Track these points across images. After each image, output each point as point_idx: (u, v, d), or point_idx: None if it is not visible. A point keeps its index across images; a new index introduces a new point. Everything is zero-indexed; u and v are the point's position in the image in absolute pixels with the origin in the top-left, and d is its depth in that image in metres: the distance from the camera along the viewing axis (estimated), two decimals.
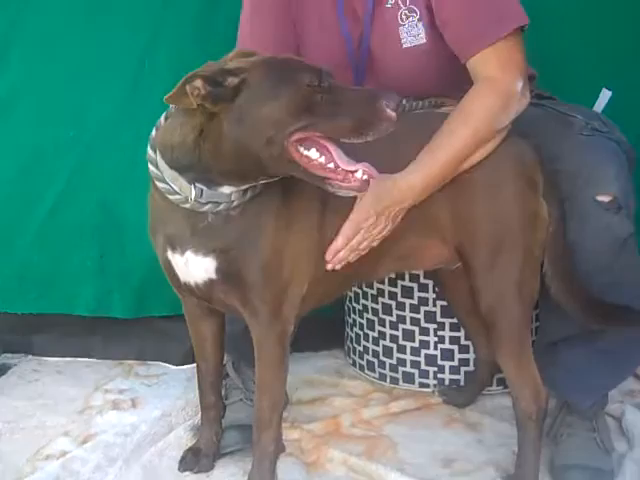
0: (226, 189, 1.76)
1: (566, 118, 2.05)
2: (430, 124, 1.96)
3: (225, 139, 1.69)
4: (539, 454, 1.99)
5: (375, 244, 1.93)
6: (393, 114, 1.64)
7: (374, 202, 1.87)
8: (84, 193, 2.58)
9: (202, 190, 1.76)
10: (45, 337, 2.74)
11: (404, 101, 2.07)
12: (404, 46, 2.05)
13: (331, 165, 1.69)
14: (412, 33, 2.03)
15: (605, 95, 2.23)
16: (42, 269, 2.63)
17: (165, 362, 2.71)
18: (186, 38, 2.54)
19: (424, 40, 2.03)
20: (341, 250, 1.90)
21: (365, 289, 2.57)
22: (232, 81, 1.67)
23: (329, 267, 1.92)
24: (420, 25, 2.02)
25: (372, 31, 2.06)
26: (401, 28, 2.04)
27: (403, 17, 2.03)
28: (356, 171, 1.69)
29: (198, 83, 1.66)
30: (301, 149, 1.68)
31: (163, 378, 2.64)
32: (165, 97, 1.68)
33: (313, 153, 1.69)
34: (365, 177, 1.69)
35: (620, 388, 2.34)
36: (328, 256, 1.91)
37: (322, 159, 1.69)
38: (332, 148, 1.69)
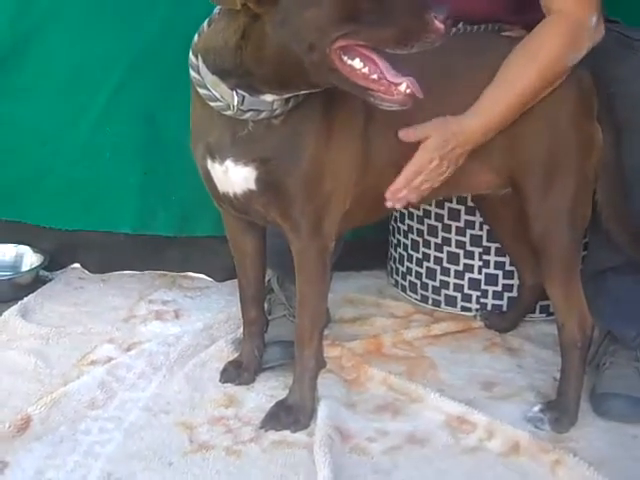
0: (268, 97, 1.73)
1: (629, 41, 1.97)
2: (493, 46, 1.92)
3: (268, 42, 1.65)
4: (582, 382, 1.99)
5: (436, 185, 1.91)
6: (441, 26, 1.58)
7: (439, 145, 1.84)
8: (128, 108, 2.54)
9: (244, 97, 1.72)
10: (89, 252, 2.74)
11: (460, 25, 1.99)
12: None
13: (375, 76, 1.65)
14: None
15: None
16: (86, 185, 2.62)
17: (208, 276, 2.72)
18: None
19: None
20: (402, 190, 1.88)
21: (411, 210, 2.55)
22: None
23: (388, 205, 1.90)
24: None
25: None
26: None
27: None
28: (400, 84, 1.65)
29: None
30: (345, 58, 1.63)
31: (206, 291, 2.66)
32: None
33: (357, 63, 1.64)
34: (409, 91, 1.65)
35: None
36: (388, 194, 1.89)
37: (366, 69, 1.64)
38: (378, 59, 1.64)
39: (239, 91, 1.72)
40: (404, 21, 1.59)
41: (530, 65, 1.84)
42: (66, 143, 2.59)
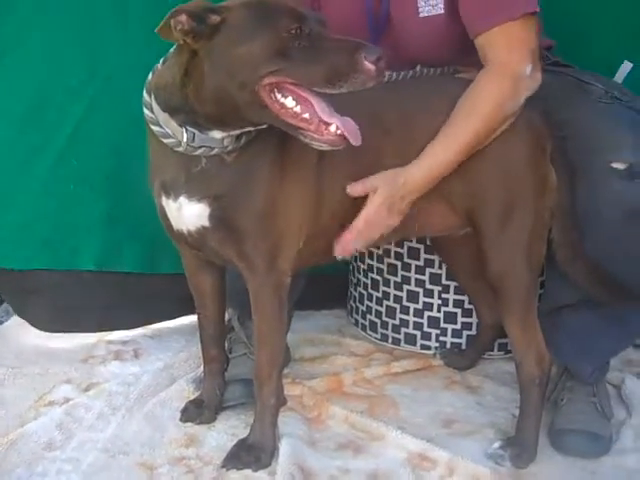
0: (216, 134, 1.75)
1: (584, 85, 2.04)
2: (448, 88, 1.97)
3: (206, 80, 1.68)
4: (540, 418, 2.01)
5: (385, 233, 1.95)
6: (372, 67, 1.60)
7: (387, 197, 1.89)
8: (94, 139, 2.45)
9: (194, 134, 1.74)
10: (44, 296, 2.58)
11: (417, 67, 2.05)
12: (421, 15, 2.02)
13: (306, 115, 1.67)
14: (430, 3, 2.01)
15: (626, 67, 2.23)
16: (46, 219, 2.49)
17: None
18: None
19: (442, 11, 2.00)
20: (351, 241, 1.92)
21: (371, 249, 2.57)
22: (214, 19, 1.66)
23: (337, 255, 1.95)
24: None
25: None
26: None
27: None
28: (330, 124, 1.67)
29: (182, 18, 1.65)
30: (278, 96, 1.66)
31: (165, 331, 2.64)
32: (156, 29, 1.67)
33: (289, 101, 1.66)
34: (339, 132, 1.67)
35: (620, 357, 2.37)
36: (337, 246, 1.94)
37: (297, 108, 1.67)
38: (313, 98, 1.66)
39: (188, 128, 1.74)
40: (333, 60, 1.62)
41: (472, 116, 1.90)
42: (26, 175, 2.48)
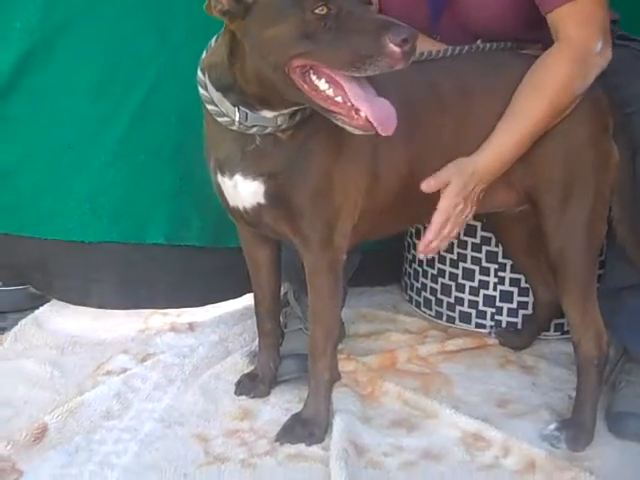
0: (267, 113, 1.74)
1: None
2: (510, 64, 1.94)
3: (247, 60, 1.67)
4: (598, 400, 1.98)
5: (463, 227, 1.95)
6: (397, 50, 1.54)
7: (460, 189, 1.87)
8: (163, 109, 2.42)
9: (246, 113, 1.74)
10: (109, 270, 2.58)
11: (478, 42, 2.01)
12: None
13: (338, 99, 1.64)
14: None
15: None
16: (116, 191, 2.47)
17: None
18: None
19: None
20: (433, 241, 1.91)
21: (426, 225, 2.54)
22: (251, 0, 1.64)
23: (420, 257, 1.98)
24: None
25: None
26: None
27: None
28: (359, 109, 1.62)
29: None
30: (313, 77, 1.63)
31: (220, 304, 2.65)
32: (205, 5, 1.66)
33: (322, 84, 1.64)
34: (370, 119, 1.62)
35: None
36: (420, 248, 1.93)
37: (330, 91, 1.64)
38: (344, 81, 1.62)
39: (241, 108, 1.73)
40: (358, 43, 1.57)
41: (538, 97, 1.86)
42: (95, 146, 2.45)
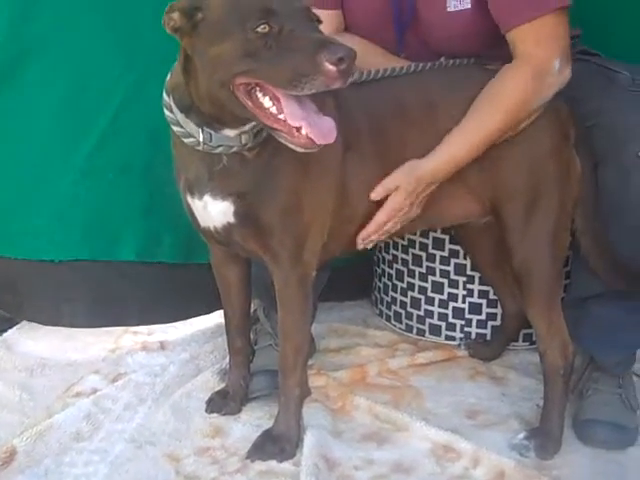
0: (228, 132, 1.75)
1: (611, 73, 2.02)
2: (474, 79, 1.95)
3: (199, 78, 1.68)
4: (565, 408, 2.01)
5: (405, 223, 1.97)
6: (332, 69, 1.53)
7: (408, 194, 1.90)
8: (133, 126, 2.42)
9: (210, 134, 1.74)
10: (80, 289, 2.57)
11: (442, 59, 2.04)
12: (448, 9, 2.00)
13: (281, 116, 1.64)
14: None
15: None
16: (86, 209, 2.47)
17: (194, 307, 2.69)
18: None
19: (469, 5, 1.98)
20: (373, 234, 1.95)
21: (395, 240, 2.57)
22: (199, 16, 1.65)
23: (359, 247, 1.97)
24: None
25: None
26: None
27: None
28: (300, 128, 1.63)
29: (175, 15, 1.66)
30: (259, 95, 1.64)
31: (192, 321, 2.65)
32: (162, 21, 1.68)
33: (267, 101, 1.64)
34: (310, 135, 1.62)
35: None
36: (359, 239, 1.96)
37: (274, 109, 1.64)
38: (283, 98, 1.62)
39: (205, 128, 1.74)
40: (295, 62, 1.57)
41: (494, 109, 1.89)
42: (64, 164, 2.45)
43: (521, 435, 2.02)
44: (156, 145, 2.33)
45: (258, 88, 1.64)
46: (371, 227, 1.94)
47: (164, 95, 1.80)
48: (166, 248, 2.55)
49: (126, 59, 2.41)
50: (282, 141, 1.66)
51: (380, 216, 1.92)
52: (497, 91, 1.90)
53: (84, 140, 2.45)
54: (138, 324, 2.61)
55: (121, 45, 2.41)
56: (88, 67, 2.40)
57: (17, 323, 2.58)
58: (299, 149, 1.65)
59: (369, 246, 1.99)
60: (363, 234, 1.95)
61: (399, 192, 1.90)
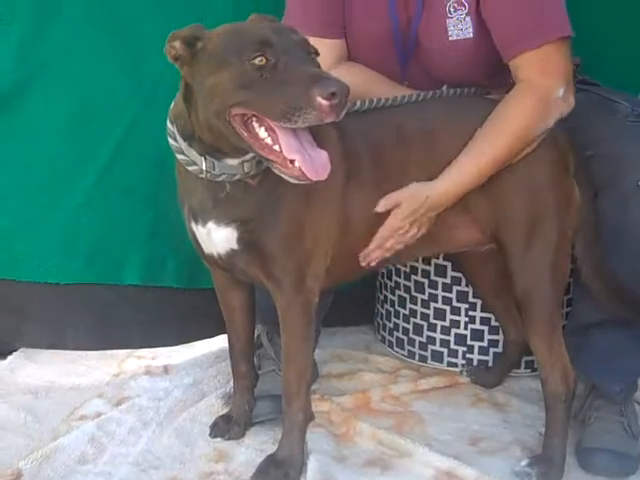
0: (230, 161, 1.77)
1: (611, 103, 2.05)
2: (476, 108, 1.99)
3: (199, 107, 1.70)
4: (566, 436, 2.01)
5: (410, 243, 1.98)
6: (324, 103, 1.55)
7: (409, 213, 1.92)
8: (139, 151, 2.45)
9: (213, 162, 1.76)
10: (83, 313, 2.59)
11: (444, 87, 2.07)
12: (450, 38, 2.03)
13: (276, 147, 1.65)
14: (459, 27, 2.02)
15: None
16: (91, 233, 2.49)
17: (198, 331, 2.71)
18: None
19: (471, 34, 2.02)
20: (374, 251, 1.97)
21: (398, 266, 2.59)
22: (199, 46, 1.68)
23: (362, 264, 1.98)
24: (468, 19, 2.01)
25: (420, 19, 2.06)
26: (449, 20, 2.02)
27: (451, 10, 2.02)
28: (294, 160, 1.64)
29: (177, 43, 1.69)
30: (255, 125, 1.66)
31: (194, 345, 2.67)
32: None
33: (262, 132, 1.66)
34: (303, 169, 1.63)
35: None
36: (360, 257, 1.98)
37: (269, 139, 1.66)
38: (278, 130, 1.64)
39: (207, 157, 1.76)
40: (289, 95, 1.58)
41: (499, 135, 1.91)
42: (70, 187, 2.47)
43: (524, 462, 2.02)
44: (161, 169, 2.33)
45: (254, 119, 1.66)
46: (372, 244, 1.96)
47: (168, 123, 1.82)
48: (170, 272, 2.57)
49: (133, 84, 2.44)
50: (276, 172, 1.68)
51: (381, 233, 1.94)
52: (502, 117, 1.93)
53: (90, 164, 2.47)
54: (141, 347, 2.63)
55: (128, 70, 2.44)
56: (95, 91, 2.43)
57: (20, 347, 2.59)
58: (293, 180, 1.66)
59: (372, 264, 2.00)
60: (365, 251, 1.97)
61: (401, 209, 1.91)
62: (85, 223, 2.49)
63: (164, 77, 2.26)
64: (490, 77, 2.07)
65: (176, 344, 2.64)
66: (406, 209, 1.91)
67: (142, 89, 2.44)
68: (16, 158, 2.45)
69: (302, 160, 1.63)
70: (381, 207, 1.93)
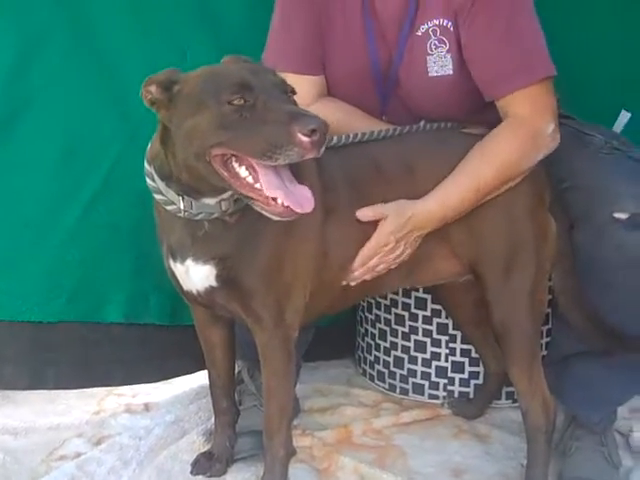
0: (208, 200, 1.78)
1: (585, 136, 2.09)
2: (454, 143, 2.01)
3: (177, 149, 1.71)
4: (548, 466, 2.02)
5: (393, 267, 1.98)
6: (305, 139, 1.57)
7: (395, 229, 1.92)
8: (123, 189, 2.43)
9: (191, 202, 1.77)
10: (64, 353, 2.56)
11: (422, 122, 2.09)
12: (430, 74, 2.05)
13: (257, 185, 1.66)
14: (439, 63, 2.04)
15: (624, 116, 2.28)
16: (74, 270, 2.47)
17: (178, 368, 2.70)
18: (226, 34, 2.49)
19: (451, 72, 2.04)
20: (357, 269, 1.95)
21: (378, 299, 2.60)
22: (175, 89, 1.70)
23: (343, 283, 1.97)
24: (448, 57, 2.03)
25: (401, 57, 2.08)
26: (429, 57, 2.04)
27: (432, 47, 2.04)
28: (275, 197, 1.65)
29: (152, 87, 1.71)
30: (235, 165, 1.67)
31: (174, 383, 2.65)
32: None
33: (243, 171, 1.67)
34: (286, 204, 1.64)
35: (628, 405, 2.35)
36: (344, 275, 1.96)
37: (250, 178, 1.67)
38: (259, 168, 1.66)
39: (185, 197, 1.77)
40: (269, 133, 1.60)
41: (487, 163, 1.94)
42: (53, 224, 2.46)
43: None
44: (145, 206, 2.26)
45: (234, 158, 1.67)
46: (357, 261, 1.95)
47: (145, 164, 1.83)
48: (153, 309, 2.56)
49: (118, 119, 2.44)
50: (258, 209, 1.68)
51: (366, 250, 1.94)
52: (490, 148, 1.95)
53: (74, 200, 2.46)
54: (123, 384, 2.61)
55: (113, 105, 2.44)
56: (80, 127, 2.43)
57: None
58: (275, 218, 1.67)
59: (352, 283, 1.98)
60: (349, 269, 1.96)
61: (387, 222, 1.91)
62: (69, 260, 2.47)
63: (149, 112, 2.29)
64: (470, 114, 2.09)
65: (157, 380, 2.62)
66: (392, 222, 1.91)
67: (127, 124, 2.44)
68: (1, 193, 2.43)
69: (284, 196, 1.64)
70: (366, 215, 1.92)
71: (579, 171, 2.03)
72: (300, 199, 1.66)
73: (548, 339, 2.29)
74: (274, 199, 1.65)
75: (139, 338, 2.57)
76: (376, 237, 1.93)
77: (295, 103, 1.71)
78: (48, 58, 2.39)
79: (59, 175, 2.44)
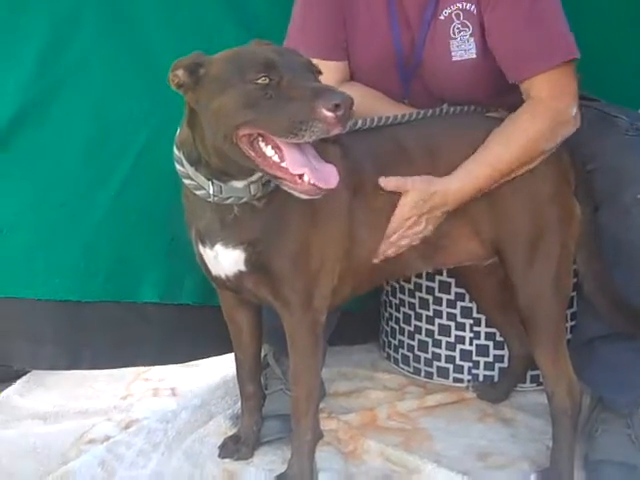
0: (236, 184, 1.78)
1: (610, 118, 2.08)
2: (476, 126, 2.01)
3: (205, 132, 1.72)
4: (574, 449, 2.02)
5: (415, 243, 1.98)
6: (329, 114, 1.57)
7: (417, 203, 1.92)
8: (155, 170, 2.41)
9: (220, 186, 1.78)
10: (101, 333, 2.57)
11: (444, 105, 2.09)
12: (454, 59, 2.06)
13: (284, 164, 1.66)
14: (463, 47, 2.04)
15: None
16: (109, 250, 2.48)
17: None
18: (253, 22, 2.49)
19: (474, 55, 2.04)
20: (383, 244, 1.96)
21: (402, 283, 2.61)
22: (201, 72, 1.71)
23: (373, 261, 1.97)
24: (472, 40, 2.03)
25: (424, 42, 2.08)
26: (452, 41, 2.05)
27: (455, 31, 2.04)
28: (302, 175, 1.66)
29: (179, 71, 1.72)
30: (261, 145, 1.67)
31: (201, 367, 2.68)
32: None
33: (269, 150, 1.68)
34: (312, 181, 1.65)
35: None
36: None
37: (276, 157, 1.67)
38: (284, 147, 1.66)
39: (214, 181, 1.78)
40: (293, 111, 1.60)
41: (508, 146, 1.94)
42: (87, 208, 2.46)
43: (532, 477, 2.03)
44: (177, 188, 2.26)
45: (260, 138, 1.67)
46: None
47: (174, 149, 1.84)
48: (187, 290, 2.57)
49: (150, 100, 2.44)
50: (286, 189, 1.69)
51: (392, 222, 1.94)
52: (513, 128, 1.95)
53: (109, 181, 2.47)
54: (151, 364, 2.63)
55: (145, 86, 2.44)
56: (112, 108, 2.44)
57: (27, 372, 2.60)
58: (303, 196, 1.68)
59: (376, 260, 1.99)
60: (375, 250, 1.97)
61: (408, 200, 1.92)
62: (105, 241, 2.48)
63: (180, 96, 2.33)
64: (492, 97, 2.09)
65: (187, 361, 2.64)
66: (413, 198, 1.92)
67: (159, 107, 2.43)
68: (36, 175, 2.44)
69: (310, 172, 1.65)
70: (390, 184, 1.92)
71: (604, 153, 2.02)
72: (325, 175, 1.66)
73: (573, 322, 2.28)
74: (300, 177, 1.65)
75: (172, 318, 2.58)
76: (398, 213, 1.94)
77: (319, 81, 1.71)
78: (80, 42, 2.40)
79: (92, 157, 2.45)
